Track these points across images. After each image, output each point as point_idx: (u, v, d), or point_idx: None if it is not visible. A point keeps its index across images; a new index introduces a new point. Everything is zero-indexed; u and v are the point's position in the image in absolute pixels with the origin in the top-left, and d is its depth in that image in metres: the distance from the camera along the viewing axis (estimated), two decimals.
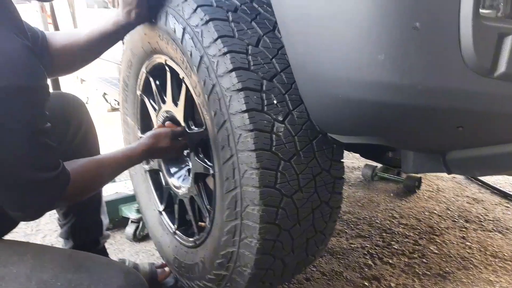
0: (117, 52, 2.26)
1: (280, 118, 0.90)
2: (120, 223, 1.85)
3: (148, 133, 1.16)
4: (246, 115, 0.88)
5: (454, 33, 0.67)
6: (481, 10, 0.67)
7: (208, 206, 1.16)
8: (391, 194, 2.24)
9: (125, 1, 1.08)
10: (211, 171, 1.07)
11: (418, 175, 2.28)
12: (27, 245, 0.96)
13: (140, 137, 1.48)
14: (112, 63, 2.46)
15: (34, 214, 0.89)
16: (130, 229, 1.77)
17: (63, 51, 1.09)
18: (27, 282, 0.82)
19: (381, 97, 0.74)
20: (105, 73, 2.61)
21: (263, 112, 0.89)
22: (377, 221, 1.93)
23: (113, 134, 2.89)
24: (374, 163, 2.44)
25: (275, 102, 0.90)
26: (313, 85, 0.82)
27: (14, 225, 1.03)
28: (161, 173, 1.48)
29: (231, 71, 0.89)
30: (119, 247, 1.74)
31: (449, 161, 0.86)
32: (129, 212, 1.82)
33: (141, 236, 1.79)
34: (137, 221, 1.77)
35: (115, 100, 4.52)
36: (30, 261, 0.86)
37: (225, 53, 0.90)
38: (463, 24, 0.67)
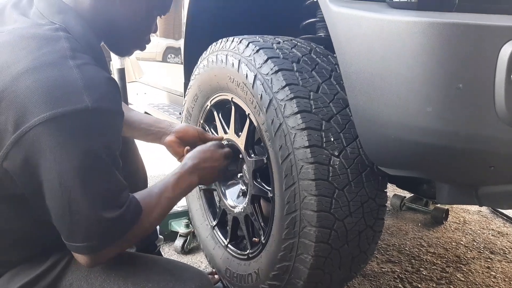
0: (168, 83, 2.51)
1: (336, 153, 1.07)
2: (169, 236, 2.03)
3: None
4: (308, 150, 1.05)
5: (490, 93, 0.84)
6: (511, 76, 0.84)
7: (262, 224, 1.33)
8: (419, 224, 2.36)
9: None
10: (269, 194, 1.24)
11: (445, 207, 2.40)
12: None
13: None
14: (162, 91, 2.71)
15: (105, 257, 0.92)
16: (178, 242, 1.94)
17: None
18: (124, 284, 0.92)
19: (428, 139, 0.91)
20: (155, 100, 2.85)
21: (322, 148, 1.06)
22: (406, 248, 2.05)
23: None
24: (403, 193, 2.57)
25: (332, 139, 1.07)
26: (371, 127, 0.99)
27: None
28: (215, 192, 1.66)
29: (296, 113, 1.07)
30: None
31: (480, 195, 1.02)
32: (179, 226, 1.99)
33: (188, 249, 1.95)
34: (186, 235, 1.94)
35: None
36: (124, 266, 0.97)
37: (291, 98, 1.08)
38: (497, 87, 0.84)
